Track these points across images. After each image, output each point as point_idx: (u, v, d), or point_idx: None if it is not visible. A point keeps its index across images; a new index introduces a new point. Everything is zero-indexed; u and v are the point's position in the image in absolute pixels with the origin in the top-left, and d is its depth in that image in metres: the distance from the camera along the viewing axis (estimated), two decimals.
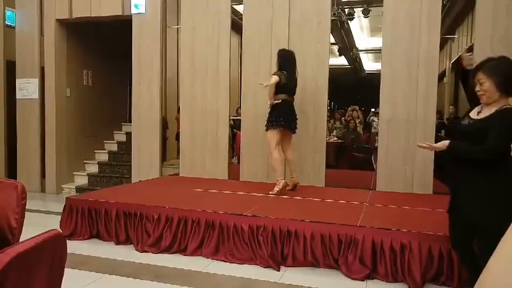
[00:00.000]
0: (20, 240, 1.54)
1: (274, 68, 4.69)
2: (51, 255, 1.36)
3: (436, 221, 3.55)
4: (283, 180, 4.50)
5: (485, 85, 2.27)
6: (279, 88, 4.44)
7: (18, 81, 6.58)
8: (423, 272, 3.06)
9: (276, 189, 4.45)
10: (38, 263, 1.30)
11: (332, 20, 5.51)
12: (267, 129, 4.57)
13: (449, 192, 2.54)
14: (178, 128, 6.21)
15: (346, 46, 11.72)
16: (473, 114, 2.41)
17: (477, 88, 2.31)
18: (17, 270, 1.20)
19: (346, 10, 8.76)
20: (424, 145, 2.49)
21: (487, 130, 2.24)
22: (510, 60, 2.29)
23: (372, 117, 9.39)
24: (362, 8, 8.49)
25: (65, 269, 1.49)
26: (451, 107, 8.32)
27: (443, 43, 8.67)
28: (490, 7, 4.62)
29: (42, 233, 1.32)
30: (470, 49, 5.73)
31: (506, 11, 4.58)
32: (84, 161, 7.13)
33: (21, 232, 1.87)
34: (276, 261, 3.38)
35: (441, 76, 9.22)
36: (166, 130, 7.12)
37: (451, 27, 8.77)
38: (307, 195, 4.48)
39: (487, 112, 2.32)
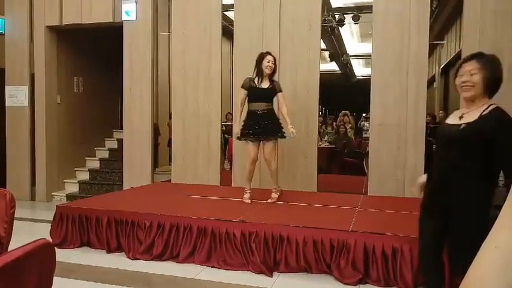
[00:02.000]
0: (9, 250, 1.52)
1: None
2: (39, 264, 1.35)
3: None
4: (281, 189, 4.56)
5: (475, 77, 2.16)
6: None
7: (7, 88, 6.53)
8: (415, 276, 3.08)
9: (277, 195, 4.51)
10: (26, 273, 1.28)
11: (323, 26, 5.55)
12: (281, 137, 4.36)
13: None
14: (170, 134, 6.19)
15: (337, 52, 11.79)
16: (453, 120, 2.28)
17: (465, 79, 2.18)
18: (5, 279, 1.19)
19: (337, 16, 8.82)
20: None
21: (478, 133, 2.11)
22: (500, 62, 2.22)
23: (363, 122, 9.45)
24: (352, 15, 8.56)
25: (55, 277, 1.48)
26: (441, 111, 8.40)
27: (432, 49, 8.78)
28: (478, 12, 4.69)
29: (31, 242, 1.30)
30: (458, 54, 5.79)
31: (494, 16, 4.65)
32: (75, 169, 7.08)
33: (9, 241, 1.85)
34: (269, 267, 3.37)
35: (431, 81, 9.31)
36: (158, 136, 7.10)
37: (440, 33, 8.88)
38: (299, 200, 4.48)
39: (474, 114, 2.18)
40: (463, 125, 2.18)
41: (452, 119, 2.31)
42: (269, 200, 4.44)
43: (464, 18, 4.85)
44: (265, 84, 4.31)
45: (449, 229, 2.27)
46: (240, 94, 4.36)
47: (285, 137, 4.34)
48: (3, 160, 6.63)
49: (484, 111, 2.16)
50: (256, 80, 4.30)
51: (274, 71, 4.34)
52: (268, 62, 4.27)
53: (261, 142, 4.33)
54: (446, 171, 2.24)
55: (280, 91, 4.33)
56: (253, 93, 4.28)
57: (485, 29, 4.67)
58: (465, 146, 2.16)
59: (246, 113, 4.35)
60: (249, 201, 4.38)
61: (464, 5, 4.78)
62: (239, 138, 4.39)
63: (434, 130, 6.91)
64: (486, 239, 0.52)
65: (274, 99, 4.38)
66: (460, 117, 2.24)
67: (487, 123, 2.10)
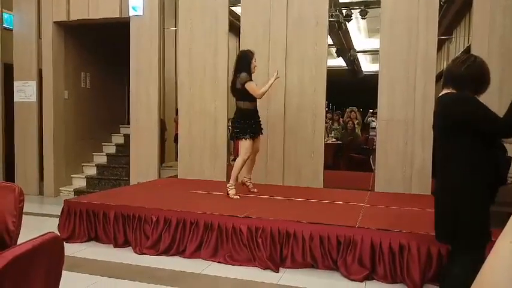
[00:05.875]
0: (18, 243, 1.54)
1: (275, 70, 4.68)
2: (48, 258, 1.36)
3: (434, 222, 3.55)
4: None
5: None
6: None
7: (15, 84, 6.57)
8: (422, 273, 3.07)
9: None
10: (35, 266, 1.29)
11: (330, 22, 5.52)
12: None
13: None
14: (177, 130, 6.20)
15: (344, 47, 11.73)
16: None
17: None
18: (14, 273, 1.20)
19: (344, 11, 8.77)
20: None
21: None
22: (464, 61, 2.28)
23: (370, 118, 9.40)
24: (359, 10, 8.50)
25: (63, 271, 1.49)
26: None
27: (440, 44, 8.70)
28: (487, 8, 4.63)
29: (39, 236, 1.31)
30: (467, 50, 5.74)
31: (503, 11, 4.60)
32: (83, 164, 7.12)
33: (18, 235, 1.86)
34: (275, 263, 3.38)
35: (439, 77, 9.23)
36: (165, 132, 7.11)
37: (449, 28, 8.79)
38: (306, 196, 4.48)
39: None
40: None
41: None
42: (255, 190, 4.60)
43: (473, 13, 4.79)
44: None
45: None
46: (254, 84, 4.29)
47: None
48: (12, 155, 6.69)
49: None
50: None
51: None
52: (255, 61, 4.36)
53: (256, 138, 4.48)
54: None
55: None
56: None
57: (494, 24, 4.62)
58: None
59: (242, 112, 4.35)
60: (238, 196, 4.37)
61: (474, 0, 4.72)
62: (241, 138, 4.33)
63: None
64: (501, 233, 0.53)
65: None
66: None
67: None
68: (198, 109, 5.66)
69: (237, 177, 4.45)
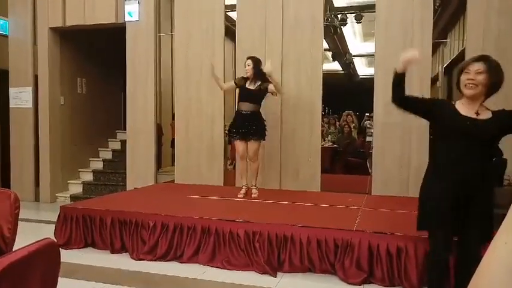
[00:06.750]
0: (13, 250, 1.53)
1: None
2: (44, 264, 1.35)
3: None
4: None
5: (480, 78, 2.31)
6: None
7: (11, 90, 6.55)
8: (420, 275, 3.07)
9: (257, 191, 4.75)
10: (31, 272, 1.28)
11: (325, 26, 5.54)
12: (262, 139, 4.63)
13: None
14: (173, 134, 6.20)
15: (340, 51, 11.78)
16: (468, 113, 2.38)
17: (471, 77, 2.33)
18: (10, 279, 1.19)
19: (339, 16, 8.81)
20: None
21: (499, 126, 2.35)
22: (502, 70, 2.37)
23: (366, 122, 9.41)
24: (355, 14, 8.55)
25: (59, 278, 1.48)
26: None
27: (435, 47, 8.74)
28: (482, 11, 4.67)
29: (35, 242, 1.31)
30: (462, 53, 5.77)
31: (498, 14, 4.63)
32: (79, 169, 7.09)
33: (14, 241, 1.85)
34: (273, 267, 3.37)
35: (434, 80, 9.28)
36: (161, 137, 7.10)
37: (443, 31, 8.85)
38: (303, 200, 4.48)
39: (485, 113, 2.38)
40: (479, 121, 2.35)
41: (466, 112, 2.40)
42: (253, 195, 4.64)
43: (467, 16, 4.82)
44: (254, 86, 4.51)
45: (469, 216, 2.41)
46: (229, 82, 4.83)
47: (264, 139, 4.64)
48: (8, 161, 6.65)
49: (499, 112, 2.42)
50: (246, 81, 4.56)
51: (259, 74, 4.49)
52: (244, 66, 4.57)
53: (246, 141, 4.56)
54: (477, 163, 2.38)
55: (268, 86, 4.50)
56: (241, 93, 4.58)
57: (489, 28, 4.64)
58: (491, 139, 2.38)
59: (235, 112, 4.68)
60: (241, 196, 4.57)
61: (468, 3, 4.76)
62: (227, 135, 4.76)
63: None
64: (496, 235, 0.53)
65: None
66: (477, 113, 2.38)
67: (505, 116, 2.38)
68: (195, 114, 5.66)
69: (243, 177, 4.73)
